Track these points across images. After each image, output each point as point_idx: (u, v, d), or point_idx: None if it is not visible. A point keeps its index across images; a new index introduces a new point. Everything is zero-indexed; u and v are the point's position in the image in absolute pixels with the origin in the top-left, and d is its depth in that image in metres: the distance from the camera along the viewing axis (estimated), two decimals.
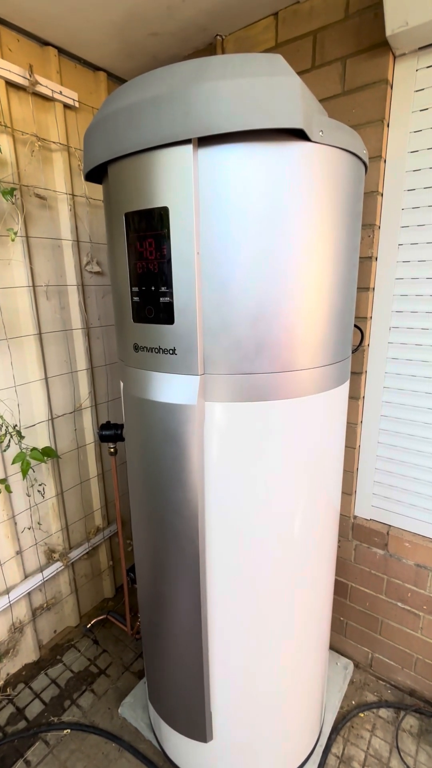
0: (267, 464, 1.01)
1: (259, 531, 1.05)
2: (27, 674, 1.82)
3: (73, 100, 1.61)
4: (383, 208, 1.39)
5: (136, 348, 1.01)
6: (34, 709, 1.68)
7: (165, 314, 0.92)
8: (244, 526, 1.04)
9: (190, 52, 1.60)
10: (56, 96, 1.55)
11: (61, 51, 1.58)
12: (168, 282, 0.90)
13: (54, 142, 1.60)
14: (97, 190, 1.80)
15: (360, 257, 1.44)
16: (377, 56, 1.25)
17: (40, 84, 1.48)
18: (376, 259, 1.44)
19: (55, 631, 1.97)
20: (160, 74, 0.84)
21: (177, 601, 1.13)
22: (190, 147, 0.81)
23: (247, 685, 1.18)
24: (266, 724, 1.25)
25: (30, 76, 1.44)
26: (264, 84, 0.75)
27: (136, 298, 0.97)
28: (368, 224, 1.40)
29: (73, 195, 1.69)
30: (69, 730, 1.59)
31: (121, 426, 1.41)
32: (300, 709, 1.31)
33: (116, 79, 1.81)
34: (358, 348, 1.49)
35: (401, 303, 1.43)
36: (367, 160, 1.03)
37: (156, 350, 0.96)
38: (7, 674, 1.78)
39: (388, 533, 1.59)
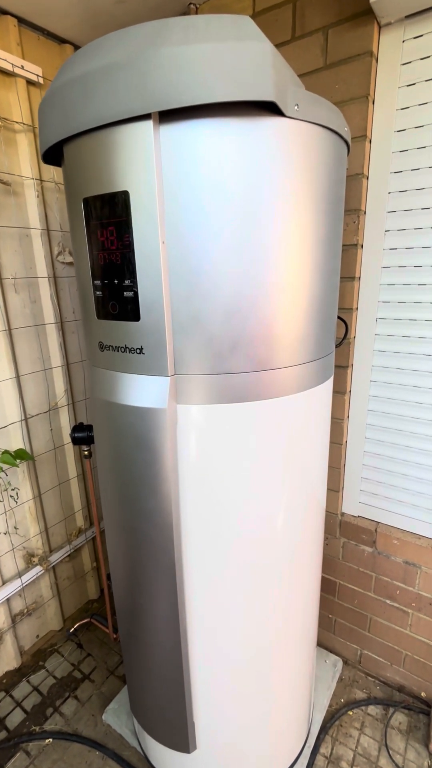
0: (246, 469, 0.94)
1: (239, 537, 0.99)
2: (8, 682, 1.76)
3: (37, 75, 1.49)
4: (369, 191, 1.32)
5: (102, 347, 0.93)
6: (15, 718, 1.63)
7: (130, 310, 0.84)
8: (223, 533, 0.98)
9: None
10: (17, 71, 1.43)
11: (22, 21, 1.45)
12: (132, 274, 0.82)
13: (17, 122, 1.48)
14: None
15: (344, 245, 1.36)
16: (361, 26, 1.16)
17: None
18: (362, 246, 1.37)
19: (37, 636, 1.92)
20: (116, 38, 0.74)
21: (154, 611, 1.07)
22: (150, 123, 0.72)
23: (232, 692, 1.14)
24: (253, 729, 1.21)
25: None
26: (230, 50, 0.66)
27: (98, 293, 0.89)
28: (353, 209, 1.32)
29: (41, 180, 1.58)
30: (51, 740, 1.55)
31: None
32: (288, 711, 1.27)
33: None
34: (343, 341, 1.42)
35: (388, 293, 1.37)
36: (349, 138, 0.95)
37: (122, 349, 0.89)
38: None
39: (376, 530, 1.55)
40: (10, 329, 1.57)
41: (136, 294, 0.82)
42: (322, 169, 0.84)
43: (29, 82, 1.50)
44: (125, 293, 0.84)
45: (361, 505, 1.60)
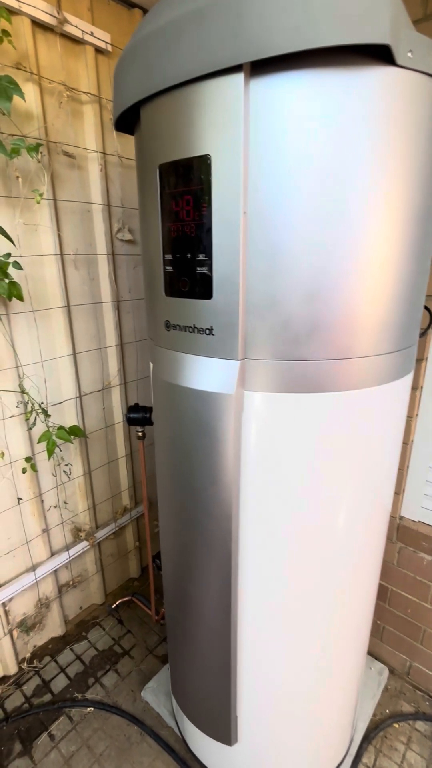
0: (313, 464, 0.87)
1: (301, 535, 0.92)
2: (53, 648, 1.83)
3: (106, 42, 1.44)
4: None
5: (168, 326, 0.88)
6: (59, 683, 1.69)
7: (202, 287, 0.79)
8: (282, 529, 0.92)
9: None
10: (87, 38, 1.39)
11: None
12: (207, 249, 0.75)
13: (84, 93, 1.45)
14: (130, 148, 1.65)
15: None
16: None
17: (69, 23, 1.32)
18: None
19: (80, 608, 1.98)
20: None
21: (205, 602, 1.04)
22: (240, 77, 0.64)
23: (278, 689, 1.10)
24: (296, 729, 1.17)
25: (58, 13, 1.28)
26: None
27: (168, 268, 0.84)
28: None
29: (104, 153, 1.55)
30: (92, 708, 1.59)
31: (150, 409, 1.31)
32: (333, 716, 1.21)
33: None
34: (427, 332, 1.29)
35: None
36: None
37: (190, 329, 0.83)
38: (34, 646, 1.80)
39: None
40: (69, 306, 1.57)
41: (210, 270, 0.76)
42: (428, 129, 0.73)
43: (97, 50, 1.46)
44: (198, 269, 0.78)
45: (424, 510, 1.48)
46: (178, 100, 0.71)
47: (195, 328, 0.82)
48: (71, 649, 1.83)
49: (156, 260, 0.87)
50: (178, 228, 0.79)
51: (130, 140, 1.64)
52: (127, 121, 0.91)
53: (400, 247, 0.77)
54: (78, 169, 1.50)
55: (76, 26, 1.35)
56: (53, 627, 1.85)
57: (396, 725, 1.51)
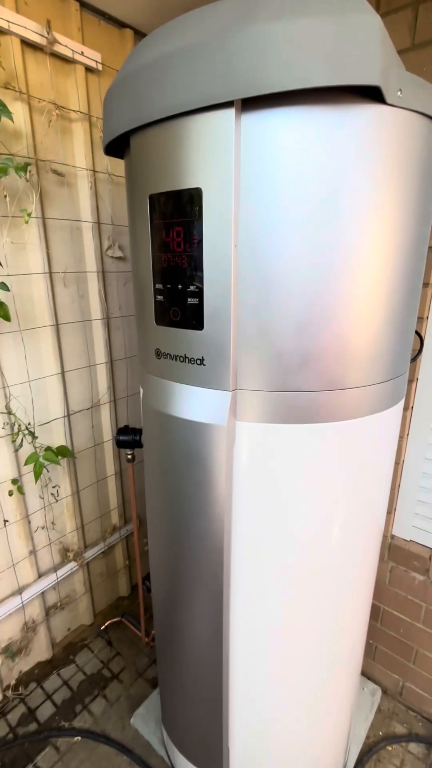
0: (307, 494, 0.86)
1: (294, 564, 0.91)
2: (39, 673, 1.78)
3: (96, 62, 1.44)
4: None
5: (159, 354, 0.87)
6: (46, 711, 1.64)
7: (193, 318, 0.78)
8: (276, 559, 0.90)
9: None
10: (77, 57, 1.38)
11: (83, 5, 1.40)
12: (198, 280, 0.75)
13: (74, 111, 1.44)
14: (120, 165, 1.64)
15: None
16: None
17: (59, 43, 1.31)
18: None
19: (68, 629, 1.93)
20: (195, 17, 0.67)
21: (195, 631, 1.01)
22: (231, 112, 0.64)
23: (271, 719, 1.08)
24: (290, 759, 1.14)
25: (48, 33, 1.27)
26: (332, 25, 0.57)
27: (159, 297, 0.82)
28: None
29: (94, 171, 1.54)
30: (80, 738, 1.54)
31: (140, 431, 1.28)
32: (327, 743, 1.19)
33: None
34: (417, 357, 1.30)
35: None
36: None
37: (181, 359, 0.82)
38: (20, 672, 1.75)
39: (430, 558, 1.43)
40: (57, 324, 1.55)
41: (201, 301, 0.75)
42: (416, 165, 0.73)
43: (88, 69, 1.45)
44: (189, 299, 0.77)
45: (415, 529, 1.48)
46: (169, 131, 0.70)
47: (186, 357, 0.81)
48: (58, 674, 1.78)
49: (146, 288, 0.86)
50: (168, 258, 0.78)
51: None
52: (117, 146, 0.91)
53: (391, 279, 0.77)
54: (67, 186, 1.49)
55: (66, 46, 1.34)
56: (40, 651, 1.80)
57: (389, 747, 1.50)
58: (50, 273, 1.48)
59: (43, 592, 1.72)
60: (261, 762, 1.13)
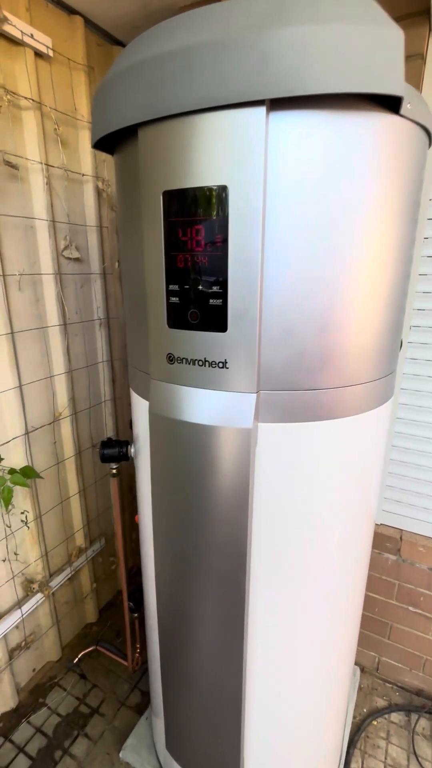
0: (322, 489, 0.88)
1: (310, 558, 0.92)
2: (6, 725, 1.58)
3: (47, 47, 1.33)
4: None
5: (172, 359, 0.82)
6: (20, 767, 1.46)
7: (215, 319, 0.75)
8: (295, 560, 0.91)
9: (190, 3, 1.38)
10: (27, 39, 1.26)
11: None
12: (222, 281, 0.72)
13: (24, 98, 1.31)
14: (75, 161, 1.53)
15: None
16: (413, 26, 1.13)
17: (9, 22, 1.19)
18: None
19: (33, 670, 1.74)
20: (222, 10, 0.65)
21: (212, 648, 0.98)
22: (262, 110, 0.63)
23: (283, 729, 1.08)
24: (299, 762, 1.15)
25: None
26: (366, 35, 0.59)
27: (174, 299, 0.78)
28: None
29: (48, 165, 1.42)
30: None
31: (126, 443, 1.21)
32: (331, 739, 1.23)
33: (95, 29, 1.53)
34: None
35: (424, 301, 1.36)
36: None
37: (200, 363, 0.79)
38: None
39: (401, 538, 1.55)
40: (13, 332, 1.39)
41: (225, 302, 0.73)
42: (415, 173, 0.79)
43: (37, 54, 1.34)
44: (211, 300, 0.74)
45: (385, 513, 1.60)
46: (191, 126, 0.67)
47: (206, 361, 0.78)
48: (29, 722, 1.59)
49: (154, 290, 0.81)
50: (186, 258, 0.74)
51: (75, 153, 1.53)
52: (108, 140, 0.85)
53: (396, 277, 0.82)
54: (20, 181, 1.35)
55: (14, 26, 1.22)
56: (4, 701, 1.60)
57: (375, 722, 1.58)
58: (3, 275, 1.33)
59: (5, 636, 1.53)
60: None
